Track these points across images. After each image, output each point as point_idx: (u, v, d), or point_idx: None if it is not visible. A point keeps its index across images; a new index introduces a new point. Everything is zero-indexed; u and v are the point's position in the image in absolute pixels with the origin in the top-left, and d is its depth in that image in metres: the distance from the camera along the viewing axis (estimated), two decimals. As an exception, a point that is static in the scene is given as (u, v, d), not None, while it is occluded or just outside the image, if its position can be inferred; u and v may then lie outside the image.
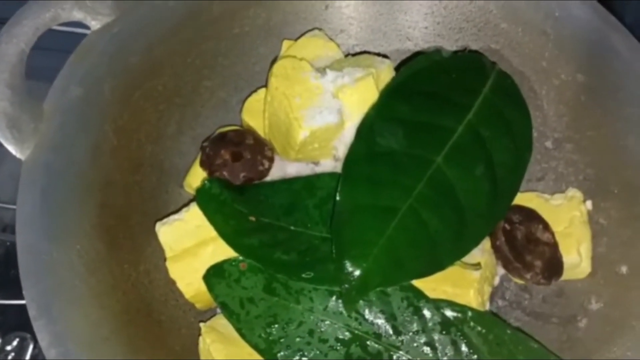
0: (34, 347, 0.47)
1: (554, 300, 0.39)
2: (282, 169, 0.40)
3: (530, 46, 0.41)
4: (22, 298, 0.35)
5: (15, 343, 0.47)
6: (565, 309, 0.38)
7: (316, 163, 0.39)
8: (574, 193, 0.39)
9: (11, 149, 0.35)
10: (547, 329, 0.38)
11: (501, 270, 0.39)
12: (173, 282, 0.37)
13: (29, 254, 0.33)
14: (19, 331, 0.46)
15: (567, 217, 0.38)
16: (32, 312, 0.32)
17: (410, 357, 0.33)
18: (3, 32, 0.36)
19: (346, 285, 0.32)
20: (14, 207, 0.35)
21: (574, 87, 0.40)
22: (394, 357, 0.33)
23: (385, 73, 0.38)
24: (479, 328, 0.33)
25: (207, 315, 0.39)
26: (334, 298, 0.33)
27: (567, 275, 0.38)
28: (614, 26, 0.38)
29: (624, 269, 0.36)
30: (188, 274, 0.36)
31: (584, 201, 0.39)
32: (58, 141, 0.36)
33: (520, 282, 0.40)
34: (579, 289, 0.38)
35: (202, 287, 0.35)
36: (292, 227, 0.35)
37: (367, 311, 0.33)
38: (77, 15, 0.38)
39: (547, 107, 0.42)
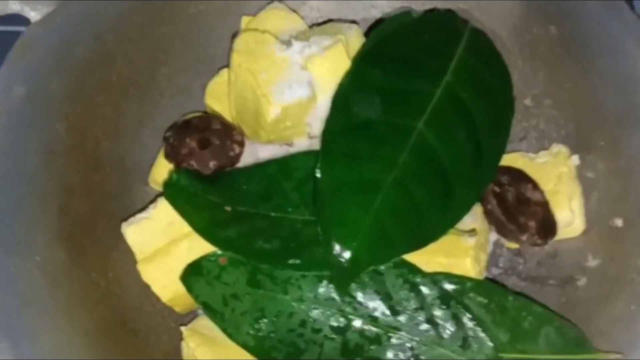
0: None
1: (549, 262, 0.38)
2: (253, 153, 0.37)
3: (500, 3, 0.40)
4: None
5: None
6: (561, 270, 0.37)
7: (290, 144, 0.37)
8: (560, 149, 0.38)
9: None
10: (545, 293, 0.37)
11: (492, 237, 0.37)
12: (147, 287, 0.35)
13: (-17, 271, 0.30)
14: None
15: (554, 174, 0.37)
16: (-6, 334, 0.29)
17: (410, 337, 0.31)
18: None
19: (336, 268, 0.30)
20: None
21: (548, 40, 0.39)
22: (394, 338, 0.31)
23: (355, 39, 0.35)
24: (480, 298, 0.31)
25: (187, 318, 0.36)
26: (324, 284, 0.31)
27: (561, 234, 0.36)
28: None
29: (618, 222, 0.35)
30: (163, 276, 0.33)
31: (570, 156, 0.38)
32: (5, 145, 0.34)
33: (513, 247, 0.38)
34: (574, 248, 0.37)
35: (180, 288, 0.33)
36: (271, 214, 0.33)
37: (360, 294, 0.31)
38: (14, 6, 0.36)
39: (522, 64, 0.40)
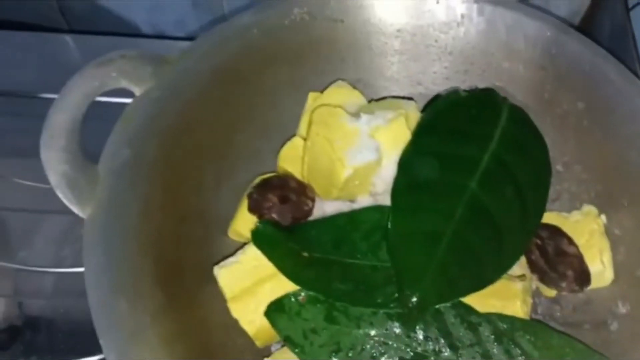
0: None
1: (583, 308, 0.42)
2: (320, 208, 0.42)
3: (532, 81, 0.45)
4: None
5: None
6: (595, 315, 0.41)
7: (353, 201, 0.42)
8: (589, 209, 0.43)
9: (73, 208, 0.37)
10: (581, 336, 0.40)
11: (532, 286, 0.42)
12: (230, 325, 0.39)
13: (100, 309, 0.35)
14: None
15: (586, 230, 0.42)
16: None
17: (469, 369, 0.35)
18: (56, 102, 0.39)
19: (405, 307, 0.34)
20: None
21: (576, 113, 0.44)
22: (454, 371, 0.35)
23: (412, 113, 0.41)
24: (528, 336, 0.35)
25: (263, 353, 0.40)
26: (392, 321, 0.36)
27: (593, 284, 0.41)
28: (604, 56, 0.43)
29: (644, 273, 0.40)
30: (249, 312, 0.38)
31: (599, 215, 0.43)
32: (112, 200, 0.38)
33: (550, 296, 0.43)
34: (605, 296, 0.41)
35: (264, 323, 0.37)
36: (343, 260, 0.38)
37: (423, 331, 0.36)
38: (123, 82, 0.40)
39: (554, 134, 0.45)
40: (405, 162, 0.39)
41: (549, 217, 0.43)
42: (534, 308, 0.43)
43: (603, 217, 0.43)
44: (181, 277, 0.40)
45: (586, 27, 0.66)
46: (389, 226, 0.36)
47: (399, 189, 0.38)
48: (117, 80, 0.41)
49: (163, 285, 0.38)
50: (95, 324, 0.34)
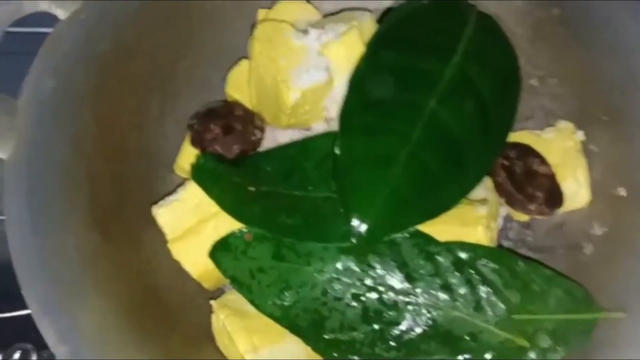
0: (38, 357, 0.45)
1: (557, 232, 0.39)
2: (273, 138, 0.39)
3: (503, -13, 0.41)
4: (18, 309, 0.33)
5: (17, 355, 0.45)
6: (569, 238, 0.39)
7: (308, 128, 0.39)
8: (565, 124, 0.40)
9: (-10, 148, 0.34)
10: (554, 260, 0.38)
11: (502, 212, 0.39)
12: (177, 267, 0.36)
13: (22, 253, 0.32)
14: (20, 342, 0.45)
15: (560, 148, 0.39)
16: (34, 312, 0.31)
17: (427, 302, 0.32)
18: (-36, 32, 0.35)
19: (356, 238, 0.31)
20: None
21: (550, 21, 0.41)
22: (411, 304, 0.33)
23: (368, 25, 0.37)
24: (492, 264, 0.33)
25: (215, 295, 0.38)
26: (344, 255, 0.33)
27: (568, 205, 0.38)
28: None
29: (622, 192, 0.37)
30: (192, 253, 0.35)
31: (575, 131, 0.39)
32: (37, 136, 0.35)
33: (522, 220, 0.40)
34: (580, 218, 0.38)
35: (209, 264, 0.35)
36: (292, 192, 0.34)
37: (378, 264, 0.33)
38: (42, 5, 0.37)
39: (527, 46, 0.42)
40: (357, 80, 0.35)
41: (520, 136, 0.40)
42: (505, 233, 0.41)
43: (580, 133, 0.39)
44: (121, 217, 0.38)
45: None
46: (337, 151, 0.33)
47: (349, 109, 0.34)
48: (37, 2, 0.36)
49: (98, 225, 0.36)
50: (17, 270, 0.31)
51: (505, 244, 0.40)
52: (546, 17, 0.41)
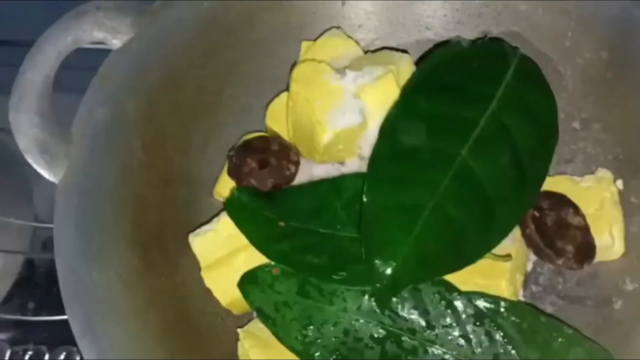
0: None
1: (588, 282, 0.39)
2: (308, 171, 0.40)
3: (552, 26, 0.41)
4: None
5: (62, 357, 0.48)
6: (600, 291, 0.38)
7: (342, 163, 0.40)
8: (604, 174, 0.39)
9: (44, 173, 0.36)
10: (583, 312, 0.38)
11: (532, 257, 0.39)
12: (209, 291, 0.38)
13: (69, 277, 0.34)
14: (66, 345, 0.48)
15: (597, 198, 0.38)
16: (76, 332, 0.33)
17: (445, 350, 0.33)
18: (27, 61, 0.37)
19: (378, 285, 0.32)
20: (51, 225, 0.36)
21: (599, 65, 0.40)
22: (429, 351, 0.33)
23: (405, 68, 0.38)
24: (513, 318, 0.33)
25: (244, 320, 0.39)
26: (366, 297, 0.34)
27: (600, 257, 0.37)
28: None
29: (658, 248, 0.36)
30: (223, 283, 0.37)
31: (615, 181, 0.39)
32: (88, 163, 0.37)
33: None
34: (613, 270, 0.38)
35: (238, 294, 0.36)
36: (320, 230, 0.35)
37: (400, 308, 0.34)
38: (98, 35, 0.38)
39: (573, 87, 0.41)
40: (388, 127, 0.35)
41: (557, 182, 0.39)
42: (536, 278, 0.40)
43: (619, 182, 0.39)
44: (162, 241, 0.40)
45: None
46: (364, 199, 0.33)
47: (378, 158, 0.34)
48: (92, 33, 0.38)
49: (140, 251, 0.38)
50: (62, 292, 0.34)
51: (534, 288, 0.40)
52: (594, 60, 0.40)
